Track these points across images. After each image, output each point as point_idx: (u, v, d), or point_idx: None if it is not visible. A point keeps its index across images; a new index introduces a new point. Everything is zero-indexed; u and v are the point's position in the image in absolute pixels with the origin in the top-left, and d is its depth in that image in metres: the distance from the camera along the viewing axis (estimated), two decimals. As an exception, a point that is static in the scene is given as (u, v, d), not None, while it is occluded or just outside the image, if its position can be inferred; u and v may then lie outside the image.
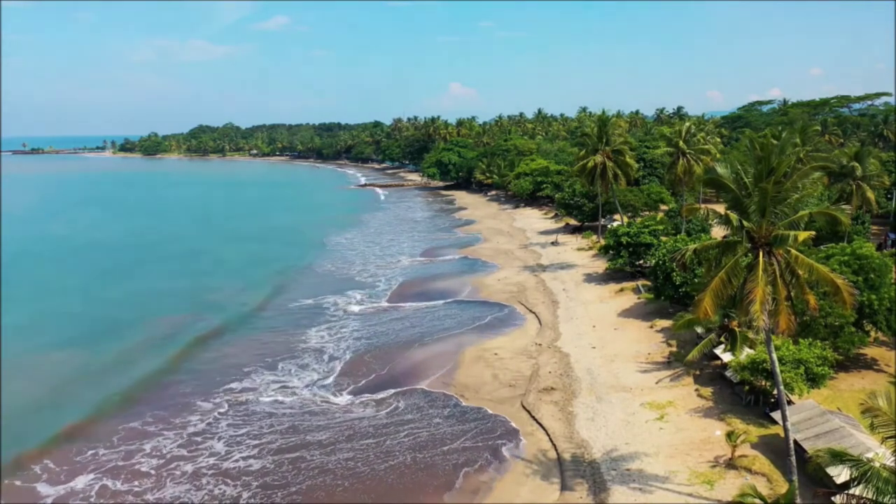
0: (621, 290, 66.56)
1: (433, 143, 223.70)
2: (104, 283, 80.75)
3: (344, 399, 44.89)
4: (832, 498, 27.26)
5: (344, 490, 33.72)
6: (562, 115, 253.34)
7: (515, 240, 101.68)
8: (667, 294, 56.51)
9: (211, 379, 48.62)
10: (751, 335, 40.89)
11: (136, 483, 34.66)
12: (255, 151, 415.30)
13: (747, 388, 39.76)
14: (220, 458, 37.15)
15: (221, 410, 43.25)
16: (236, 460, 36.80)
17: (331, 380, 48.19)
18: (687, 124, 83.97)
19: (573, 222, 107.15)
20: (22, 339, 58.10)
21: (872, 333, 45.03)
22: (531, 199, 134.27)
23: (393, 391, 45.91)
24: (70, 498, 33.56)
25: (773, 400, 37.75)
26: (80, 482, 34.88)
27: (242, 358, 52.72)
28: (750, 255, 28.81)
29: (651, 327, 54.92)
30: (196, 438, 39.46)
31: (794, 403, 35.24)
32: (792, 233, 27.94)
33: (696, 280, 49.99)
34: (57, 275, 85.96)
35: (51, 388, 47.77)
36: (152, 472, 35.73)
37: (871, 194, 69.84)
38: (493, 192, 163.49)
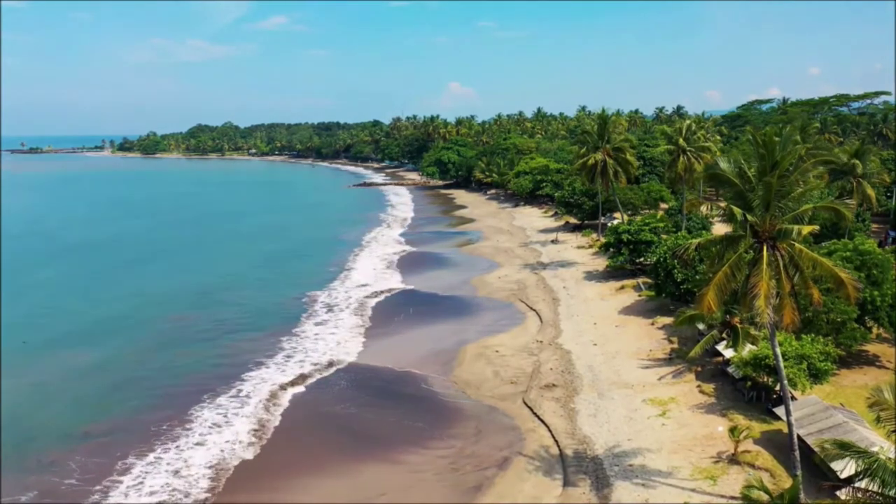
0: (622, 287, 66.49)
1: (432, 142, 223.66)
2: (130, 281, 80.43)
3: (339, 398, 44.78)
4: (836, 492, 27.15)
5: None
6: (561, 114, 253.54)
7: (515, 238, 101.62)
8: (668, 291, 56.45)
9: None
10: (753, 331, 40.86)
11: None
12: (253, 151, 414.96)
13: (749, 384, 39.63)
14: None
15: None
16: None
17: (328, 373, 48.21)
18: (687, 122, 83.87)
19: (573, 220, 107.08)
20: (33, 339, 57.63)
21: (875, 330, 44.99)
22: (531, 197, 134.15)
23: (393, 388, 45.83)
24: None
25: (775, 396, 37.70)
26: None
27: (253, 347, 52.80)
28: (753, 249, 28.76)
29: (652, 324, 54.84)
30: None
31: (796, 399, 35.16)
32: (796, 227, 27.88)
33: (697, 277, 50.01)
34: (67, 274, 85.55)
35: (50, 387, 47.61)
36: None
37: (871, 192, 69.77)
38: (493, 191, 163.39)
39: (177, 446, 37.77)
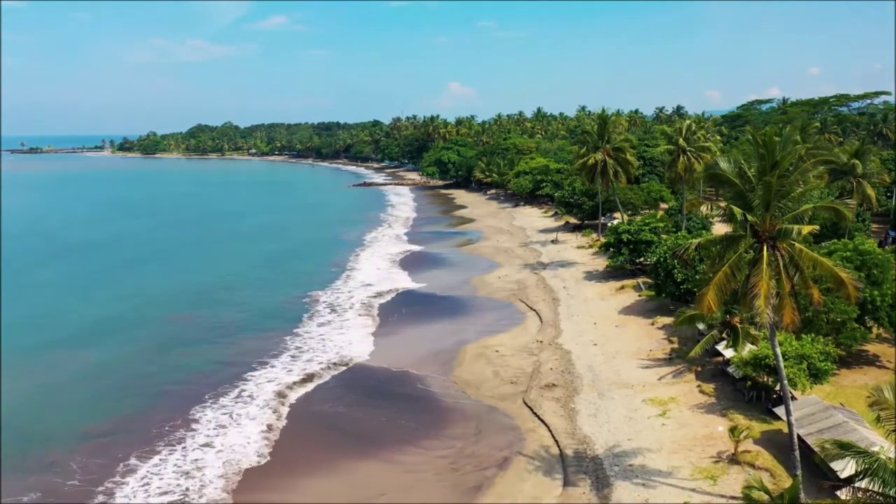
0: (622, 287, 66.52)
1: (432, 142, 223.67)
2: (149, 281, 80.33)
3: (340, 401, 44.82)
4: (836, 492, 27.18)
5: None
6: (561, 114, 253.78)
7: (515, 238, 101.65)
8: (668, 291, 56.48)
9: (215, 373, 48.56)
10: (753, 331, 40.89)
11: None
12: (253, 151, 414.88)
13: (749, 384, 39.67)
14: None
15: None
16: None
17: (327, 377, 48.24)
18: (687, 122, 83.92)
19: (573, 220, 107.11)
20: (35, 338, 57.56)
21: (875, 330, 45.00)
22: (531, 197, 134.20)
23: (392, 388, 45.87)
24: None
25: (775, 396, 37.73)
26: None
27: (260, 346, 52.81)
28: (753, 249, 28.79)
29: (652, 324, 54.87)
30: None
31: (796, 399, 35.19)
32: (796, 227, 27.92)
33: (697, 277, 50.04)
34: (67, 274, 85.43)
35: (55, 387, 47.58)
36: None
37: (871, 192, 69.76)
38: (493, 191, 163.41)
39: (183, 447, 37.66)
